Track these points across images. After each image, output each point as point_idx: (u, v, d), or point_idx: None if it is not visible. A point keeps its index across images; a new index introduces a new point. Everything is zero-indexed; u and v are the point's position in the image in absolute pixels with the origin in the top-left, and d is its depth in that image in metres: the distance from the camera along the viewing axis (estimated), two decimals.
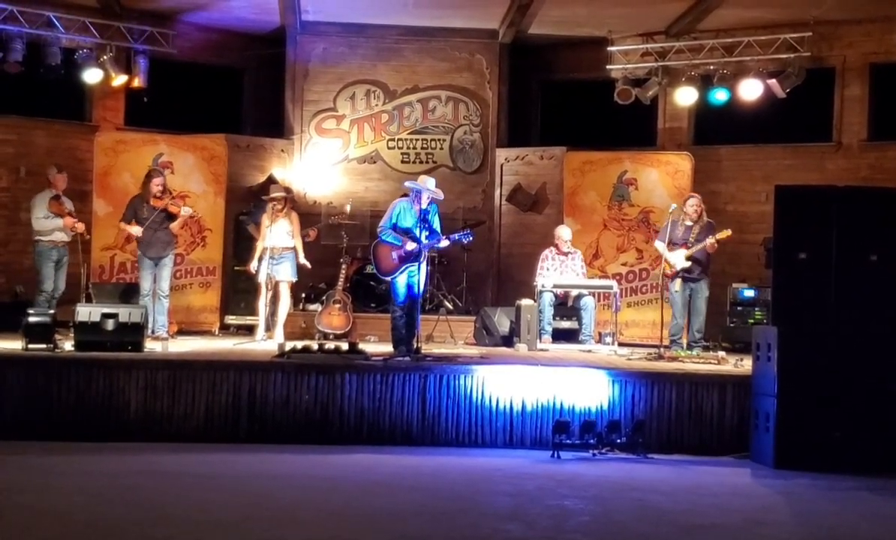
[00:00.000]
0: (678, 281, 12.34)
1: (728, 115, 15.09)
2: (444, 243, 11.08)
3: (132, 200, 12.61)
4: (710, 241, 12.15)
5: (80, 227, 12.55)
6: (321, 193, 15.79)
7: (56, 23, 14.25)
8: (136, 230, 12.39)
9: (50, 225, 12.35)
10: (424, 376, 9.52)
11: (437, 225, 10.96)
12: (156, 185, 12.40)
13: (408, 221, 10.84)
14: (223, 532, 6.14)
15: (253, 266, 12.34)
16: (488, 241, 15.74)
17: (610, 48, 15.59)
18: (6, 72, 13.91)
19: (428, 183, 11.01)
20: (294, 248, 12.34)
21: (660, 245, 12.62)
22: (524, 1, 14.23)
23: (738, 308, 14.01)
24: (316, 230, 13.35)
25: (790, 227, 9.06)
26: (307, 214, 14.57)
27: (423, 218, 10.78)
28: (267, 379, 9.44)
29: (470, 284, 15.21)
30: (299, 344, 10.67)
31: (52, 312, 10.66)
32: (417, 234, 10.72)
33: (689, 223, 12.39)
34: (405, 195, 11.15)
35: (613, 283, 13.52)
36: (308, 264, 12.52)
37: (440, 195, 11.12)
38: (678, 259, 12.28)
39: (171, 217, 12.38)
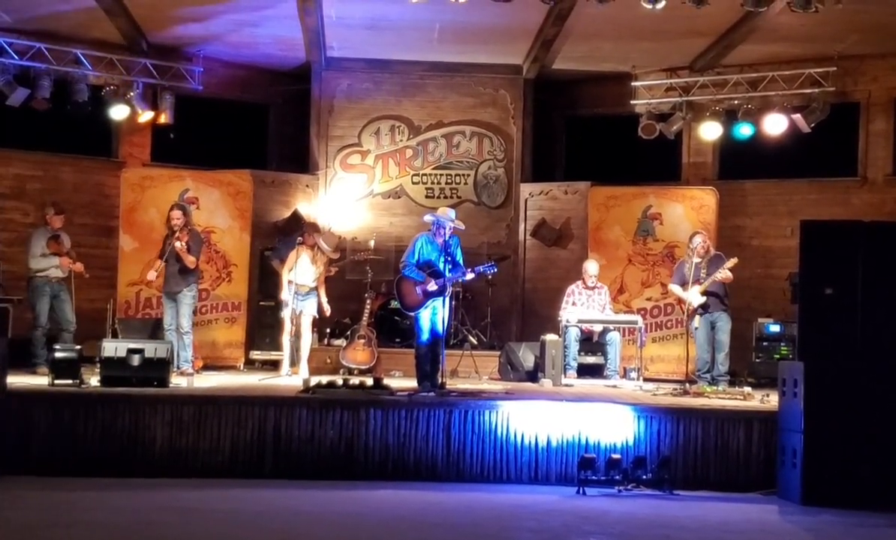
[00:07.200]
0: (697, 318, 12.34)
1: (753, 149, 15.05)
2: (470, 276, 11.10)
3: (166, 236, 12.51)
4: (720, 275, 12.16)
5: (79, 267, 12.49)
6: (346, 228, 15.81)
7: (83, 60, 14.38)
8: (150, 275, 12.42)
9: (45, 263, 12.31)
10: (449, 412, 9.51)
11: (459, 258, 10.98)
12: (171, 219, 12.30)
13: (430, 254, 10.86)
14: None
15: (283, 295, 12.36)
16: (513, 276, 15.73)
17: (634, 83, 15.61)
18: (34, 109, 14.00)
19: (448, 214, 11.05)
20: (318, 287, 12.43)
21: (675, 288, 12.70)
22: (548, 37, 14.26)
23: (764, 343, 13.93)
24: (336, 267, 13.37)
25: (816, 261, 9.03)
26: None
27: (446, 250, 10.78)
28: (292, 414, 9.45)
29: (494, 319, 15.17)
30: (324, 379, 10.67)
31: (78, 347, 10.66)
32: (441, 266, 10.72)
33: (696, 260, 12.37)
34: (427, 229, 11.19)
35: (638, 318, 13.48)
36: (328, 311, 12.62)
37: (461, 226, 11.15)
38: (694, 297, 12.26)
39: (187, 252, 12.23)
